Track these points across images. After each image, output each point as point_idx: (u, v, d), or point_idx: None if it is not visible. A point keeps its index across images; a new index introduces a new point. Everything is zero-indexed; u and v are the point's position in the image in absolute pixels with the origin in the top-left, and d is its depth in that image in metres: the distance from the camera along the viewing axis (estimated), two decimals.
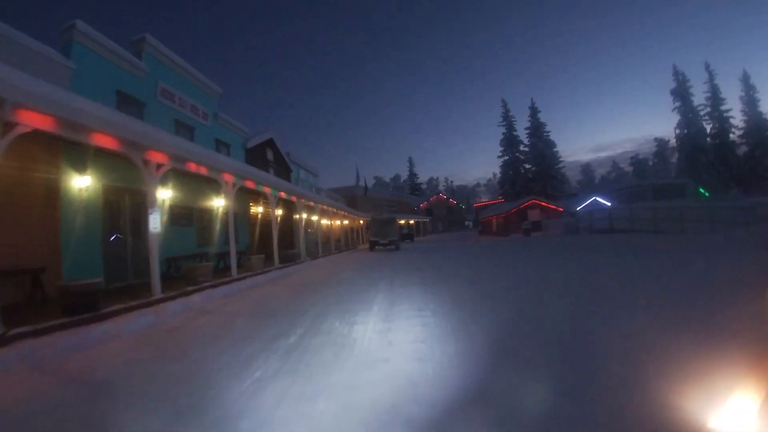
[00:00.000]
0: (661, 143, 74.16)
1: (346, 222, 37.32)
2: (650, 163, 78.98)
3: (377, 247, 30.09)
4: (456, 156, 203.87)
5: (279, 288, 10.90)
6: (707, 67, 54.59)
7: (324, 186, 47.43)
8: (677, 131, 53.94)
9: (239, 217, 19.20)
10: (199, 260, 14.57)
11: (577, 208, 43.66)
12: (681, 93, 54.17)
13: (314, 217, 24.43)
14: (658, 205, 23.16)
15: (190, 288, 9.37)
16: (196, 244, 15.63)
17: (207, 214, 16.16)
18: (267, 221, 19.12)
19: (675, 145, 56.42)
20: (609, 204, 43.41)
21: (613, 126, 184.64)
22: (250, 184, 13.94)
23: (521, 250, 20.64)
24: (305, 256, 19.50)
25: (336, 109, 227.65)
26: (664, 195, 28.37)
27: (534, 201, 40.45)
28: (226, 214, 13.17)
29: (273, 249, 15.68)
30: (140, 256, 11.79)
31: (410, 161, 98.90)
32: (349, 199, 46.77)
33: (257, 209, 21.15)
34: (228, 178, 12.23)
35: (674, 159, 74.14)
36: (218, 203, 15.53)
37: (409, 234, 47.57)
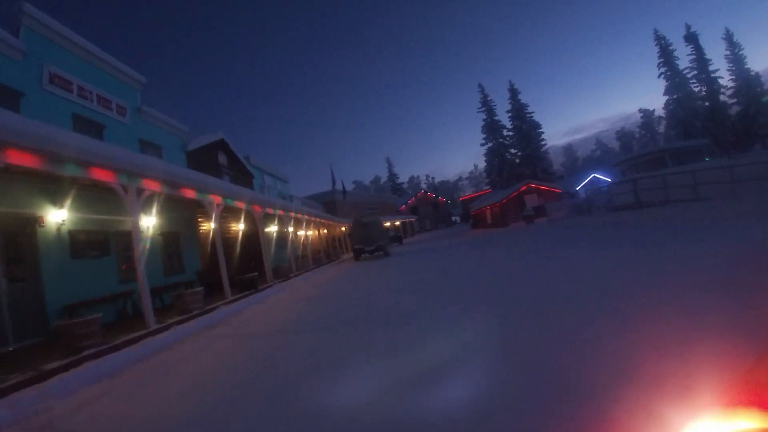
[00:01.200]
0: (646, 114, 71.52)
1: (325, 231, 33.17)
2: (636, 135, 76.42)
3: (363, 255, 25.99)
4: (435, 152, 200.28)
5: (206, 353, 6.66)
6: (689, 28, 51.93)
7: (300, 194, 43.26)
8: (666, 97, 51.08)
9: (185, 238, 14.97)
10: (123, 303, 10.69)
11: (577, 188, 40.37)
12: (666, 57, 51.36)
13: (289, 229, 20.34)
14: (698, 167, 19.53)
15: (47, 367, 5.18)
16: (119, 279, 11.35)
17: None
18: (228, 239, 14.98)
19: (663, 114, 53.85)
20: (610, 179, 40.09)
21: (585, 108, 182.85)
22: (188, 193, 9.91)
23: (542, 238, 16.81)
24: (272, 279, 15.33)
25: (305, 115, 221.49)
26: (684, 160, 24.78)
27: (530, 185, 36.80)
28: (164, 234, 9.06)
29: (233, 274, 11.57)
30: (25, 306, 7.77)
31: (388, 162, 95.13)
32: (328, 205, 42.58)
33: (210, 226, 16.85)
34: (151, 185, 8.14)
35: (661, 128, 71.97)
36: (149, 222, 11.32)
37: (396, 236, 43.61)
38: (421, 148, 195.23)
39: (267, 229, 16.67)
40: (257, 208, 15.17)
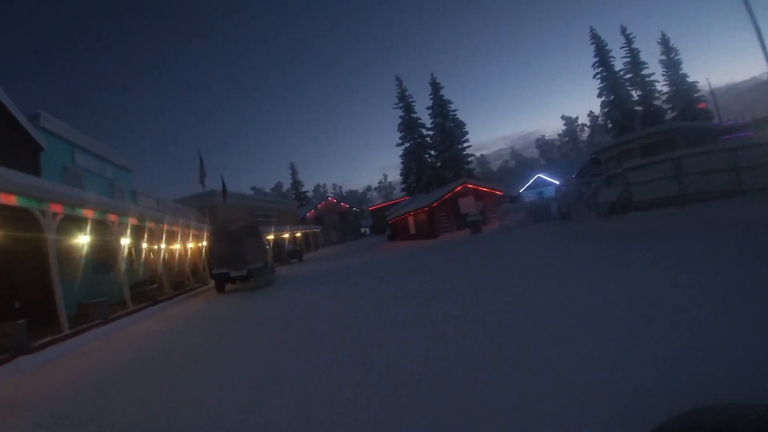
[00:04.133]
0: (569, 121, 68.53)
1: (201, 244, 22.82)
2: (556, 143, 73.79)
3: (234, 282, 16.14)
4: (343, 161, 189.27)
5: None
6: (623, 30, 48.47)
7: (175, 196, 31.96)
8: (603, 99, 46.99)
9: None
10: None
11: (520, 190, 33.63)
12: (602, 57, 47.45)
13: (123, 241, 12.81)
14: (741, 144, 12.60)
15: None
16: None
17: None
18: None
19: (587, 122, 50.84)
20: (557, 182, 33.71)
21: (485, 126, 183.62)
22: None
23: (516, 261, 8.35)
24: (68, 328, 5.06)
25: (194, 112, 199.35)
26: (654, 150, 17.78)
27: (467, 184, 28.87)
28: None
29: None
30: None
31: (293, 167, 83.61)
32: (207, 211, 31.70)
33: None
34: None
35: (584, 137, 70.05)
36: None
37: (295, 251, 33.60)
38: (328, 155, 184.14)
39: (73, 241, 11.03)
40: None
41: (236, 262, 15.16)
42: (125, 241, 15.64)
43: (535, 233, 16.68)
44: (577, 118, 71.28)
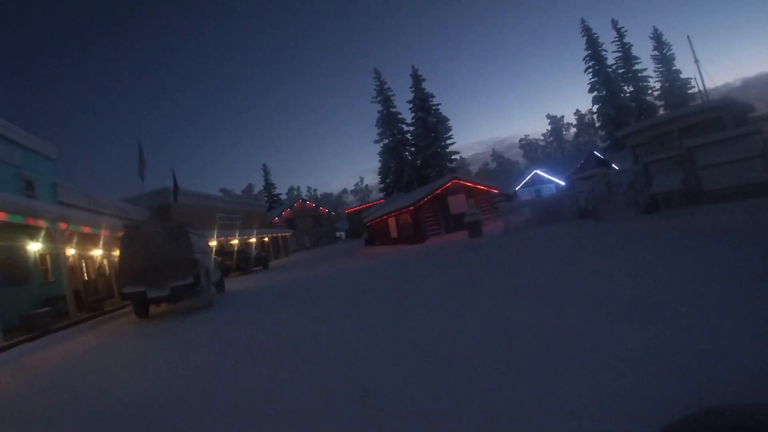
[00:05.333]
0: (554, 120, 65.66)
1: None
2: (542, 143, 70.94)
3: (159, 304, 12.00)
4: (318, 164, 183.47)
5: None
6: (615, 24, 45.90)
7: (125, 195, 27.08)
8: (595, 94, 44.09)
9: None
10: None
11: (516, 188, 30.06)
12: (593, 50, 44.79)
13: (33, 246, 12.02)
14: None
15: None
16: None
17: None
18: None
19: (573, 121, 48.01)
20: (553, 179, 30.23)
21: (460, 130, 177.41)
22: None
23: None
24: None
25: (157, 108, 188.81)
26: (698, 132, 14.19)
27: (457, 180, 24.95)
28: None
29: None
30: None
31: (265, 169, 78.33)
32: (160, 212, 27.06)
33: None
34: None
35: (569, 136, 67.33)
36: None
37: (260, 258, 29.11)
38: (302, 157, 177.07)
39: None
40: None
41: (155, 278, 10.81)
42: (35, 247, 13.24)
43: (557, 237, 12.80)
44: (562, 117, 68.96)
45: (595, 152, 33.50)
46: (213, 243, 28.82)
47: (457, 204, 24.38)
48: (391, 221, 27.24)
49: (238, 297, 13.76)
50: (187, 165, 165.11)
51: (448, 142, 46.44)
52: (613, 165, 26.83)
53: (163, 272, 10.80)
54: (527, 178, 32.32)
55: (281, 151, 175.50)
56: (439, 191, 23.85)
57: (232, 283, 18.88)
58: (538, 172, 32.54)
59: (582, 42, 45.46)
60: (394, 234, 27.09)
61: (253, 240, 37.24)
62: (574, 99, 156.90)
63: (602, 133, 46.20)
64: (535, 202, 18.64)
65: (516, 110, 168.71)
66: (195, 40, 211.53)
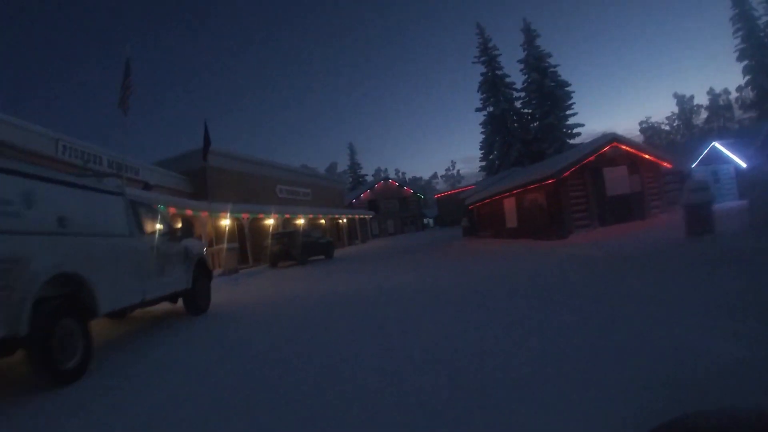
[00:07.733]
0: (681, 100, 52.87)
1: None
2: (664, 127, 58.57)
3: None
4: (408, 146, 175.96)
5: None
6: None
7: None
8: (745, 63, 33.14)
9: None
10: None
11: (692, 165, 20.95)
12: (742, 9, 33.76)
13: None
14: None
15: None
16: None
17: None
18: None
19: (705, 103, 36.50)
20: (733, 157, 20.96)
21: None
22: None
23: None
24: None
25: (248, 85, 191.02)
26: None
27: (617, 144, 16.29)
28: None
29: None
30: None
31: (351, 148, 72.58)
32: (194, 177, 21.51)
33: None
34: None
35: (699, 120, 54.78)
36: None
37: (319, 243, 21.96)
38: (391, 138, 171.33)
39: None
40: None
41: None
42: None
43: None
44: (692, 97, 55.71)
45: None
46: (270, 221, 22.65)
47: (617, 180, 15.89)
48: (509, 203, 19.12)
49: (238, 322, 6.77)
50: (271, 139, 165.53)
51: (568, 113, 36.98)
52: None
53: None
54: (704, 153, 22.67)
55: (370, 133, 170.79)
56: (592, 158, 15.47)
57: (231, 289, 12.21)
58: (717, 145, 22.76)
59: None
60: (512, 223, 18.99)
61: (322, 221, 30.95)
62: (706, 77, 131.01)
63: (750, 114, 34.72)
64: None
65: (635, 88, 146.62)
66: (288, 12, 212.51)
